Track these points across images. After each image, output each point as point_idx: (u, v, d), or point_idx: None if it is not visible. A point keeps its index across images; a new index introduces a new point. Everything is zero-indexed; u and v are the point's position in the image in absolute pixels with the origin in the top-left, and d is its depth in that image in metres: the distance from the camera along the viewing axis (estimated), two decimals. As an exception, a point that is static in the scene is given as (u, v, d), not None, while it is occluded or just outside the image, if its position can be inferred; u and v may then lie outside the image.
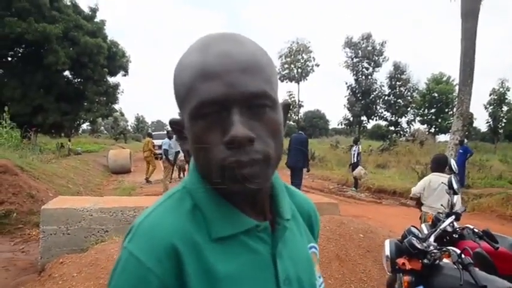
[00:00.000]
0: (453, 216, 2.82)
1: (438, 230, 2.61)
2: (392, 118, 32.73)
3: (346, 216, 5.86)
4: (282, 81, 34.51)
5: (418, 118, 37.70)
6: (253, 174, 0.64)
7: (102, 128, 59.51)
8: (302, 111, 44.09)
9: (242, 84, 0.63)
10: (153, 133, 22.45)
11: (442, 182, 4.18)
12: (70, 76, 21.85)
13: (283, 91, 37.01)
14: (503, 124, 35.11)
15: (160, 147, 13.41)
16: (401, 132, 33.69)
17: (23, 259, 5.23)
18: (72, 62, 19.27)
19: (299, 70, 34.78)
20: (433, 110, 38.50)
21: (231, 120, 0.63)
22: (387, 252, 2.48)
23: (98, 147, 28.79)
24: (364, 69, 32.22)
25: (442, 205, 3.39)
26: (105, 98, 23.15)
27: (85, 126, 40.37)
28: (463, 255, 2.11)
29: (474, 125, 42.23)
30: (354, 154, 14.35)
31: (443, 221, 2.75)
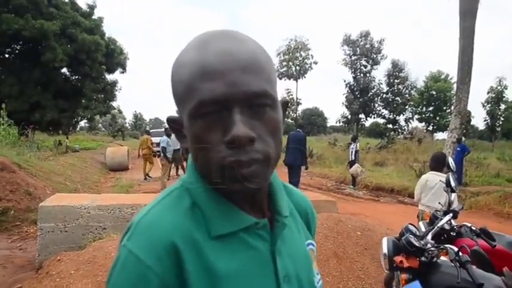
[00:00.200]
0: (451, 214, 2.82)
1: (436, 227, 2.61)
2: (391, 116, 32.72)
3: (344, 214, 5.88)
4: (280, 78, 34.46)
5: (416, 116, 37.72)
6: (253, 174, 0.64)
7: (100, 125, 59.49)
8: (300, 108, 44.15)
9: (244, 83, 0.63)
10: (151, 131, 22.43)
11: (440, 180, 4.19)
12: (68, 73, 21.84)
13: (281, 89, 37.02)
14: (500, 122, 35.10)
15: (158, 144, 13.42)
16: (400, 130, 33.69)
17: (21, 256, 5.23)
18: (70, 59, 19.25)
19: (297, 68, 34.73)
20: (431, 108, 38.51)
21: (232, 119, 0.62)
22: (385, 250, 2.49)
23: (96, 144, 28.77)
24: (362, 67, 32.18)
25: (439, 203, 3.40)
26: (103, 95, 23.13)
27: (83, 123, 40.35)
28: (460, 253, 2.11)
29: (472, 123, 42.22)
30: (351, 152, 14.38)
31: (441, 219, 2.76)
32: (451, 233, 2.93)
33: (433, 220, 2.97)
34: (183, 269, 0.64)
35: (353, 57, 32.10)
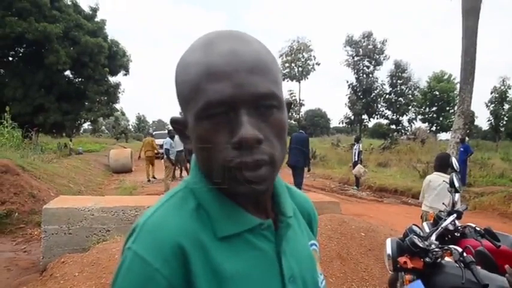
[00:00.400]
0: (455, 215, 2.81)
1: (440, 228, 2.60)
2: (394, 116, 32.68)
3: (348, 215, 5.87)
4: (283, 80, 34.36)
5: (419, 116, 37.65)
6: (260, 177, 0.64)
7: (103, 127, 59.62)
8: (303, 110, 44.15)
9: (251, 84, 0.63)
10: (154, 132, 22.45)
11: (444, 181, 4.18)
12: (71, 76, 21.87)
13: (284, 90, 36.95)
14: (504, 122, 35.01)
15: (161, 146, 13.45)
16: (403, 131, 33.65)
17: (25, 259, 5.24)
18: (73, 62, 19.29)
19: (300, 69, 34.79)
20: (434, 108, 38.42)
21: (240, 121, 0.62)
22: (388, 250, 2.48)
23: (99, 146, 28.87)
24: (365, 68, 32.18)
25: (443, 203, 3.39)
26: (106, 98, 23.15)
27: (86, 125, 40.41)
28: (464, 254, 2.10)
29: (475, 123, 42.20)
30: (355, 153, 14.35)
31: (445, 220, 2.75)
32: (455, 234, 2.92)
33: (437, 221, 2.96)
34: (190, 271, 0.63)
35: (356, 58, 32.11)
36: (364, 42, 31.98)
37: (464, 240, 2.84)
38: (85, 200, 5.76)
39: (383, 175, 16.04)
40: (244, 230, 0.69)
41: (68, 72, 21.27)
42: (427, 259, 2.25)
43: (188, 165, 11.95)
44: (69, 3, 20.54)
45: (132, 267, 0.64)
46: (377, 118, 33.81)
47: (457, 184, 3.07)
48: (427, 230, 2.81)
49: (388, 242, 2.53)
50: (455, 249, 2.17)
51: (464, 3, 12.43)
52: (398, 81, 32.50)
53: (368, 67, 32.18)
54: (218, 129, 0.64)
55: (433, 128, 38.39)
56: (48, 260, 4.43)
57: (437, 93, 37.87)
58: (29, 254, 5.46)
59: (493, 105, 34.30)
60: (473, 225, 2.80)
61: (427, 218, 4.45)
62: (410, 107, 33.68)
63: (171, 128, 0.76)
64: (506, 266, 2.09)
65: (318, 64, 35.20)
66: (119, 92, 24.23)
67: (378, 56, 31.88)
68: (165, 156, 11.91)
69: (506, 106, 34.53)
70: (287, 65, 34.85)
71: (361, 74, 32.17)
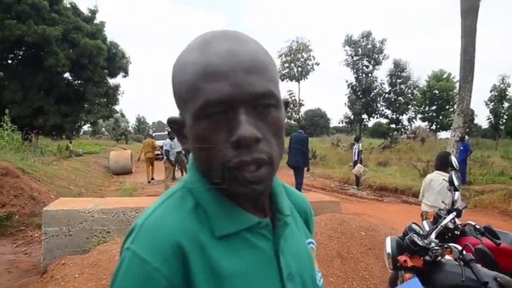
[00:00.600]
0: (454, 213, 2.81)
1: (439, 226, 2.60)
2: (393, 116, 32.66)
3: (348, 214, 5.87)
4: (283, 80, 34.42)
5: (419, 115, 37.63)
6: (259, 177, 0.64)
7: (103, 129, 59.66)
8: (303, 110, 44.01)
9: (249, 84, 0.63)
10: (154, 134, 22.44)
11: (444, 180, 4.18)
12: (70, 78, 21.89)
13: (283, 90, 36.92)
14: (504, 120, 35.06)
15: (161, 147, 13.46)
16: (403, 130, 33.64)
17: (25, 261, 5.24)
18: (72, 64, 19.31)
19: (299, 69, 34.69)
20: (433, 107, 38.41)
21: (238, 120, 0.63)
22: (388, 249, 2.48)
23: (99, 148, 28.91)
24: (364, 67, 32.15)
25: (443, 202, 3.38)
26: (105, 100, 23.16)
27: (86, 127, 40.33)
28: (464, 252, 2.10)
29: (475, 121, 42.22)
30: (354, 152, 14.35)
31: (445, 218, 2.75)
32: (455, 232, 2.91)
33: (436, 219, 2.96)
34: (189, 270, 0.63)
35: (355, 58, 32.08)
36: (363, 41, 31.96)
37: (464, 239, 2.84)
38: (85, 201, 5.76)
39: (383, 174, 16.04)
40: (243, 229, 0.69)
41: (67, 75, 21.30)
42: (427, 257, 2.25)
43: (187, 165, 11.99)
44: (68, 5, 20.56)
45: (131, 267, 0.64)
46: (377, 117, 33.83)
47: (456, 182, 3.06)
48: (427, 229, 2.81)
49: (388, 240, 2.53)
50: (455, 247, 2.17)
51: (463, 2, 12.43)
52: (398, 80, 32.49)
53: (367, 66, 32.15)
54: (216, 129, 0.64)
55: (433, 127, 38.39)
56: (49, 262, 4.43)
57: (436, 92, 37.87)
58: (30, 256, 5.46)
59: (492, 103, 34.36)
60: (473, 223, 2.80)
61: (427, 218, 4.45)
62: (410, 106, 33.66)
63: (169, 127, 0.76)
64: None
65: (317, 64, 35.08)
66: (119, 94, 24.27)
67: (377, 56, 31.85)
68: (165, 157, 11.92)
69: (506, 104, 34.58)
70: (286, 65, 34.75)
71: (360, 74, 32.15)
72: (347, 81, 32.53)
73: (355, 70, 32.16)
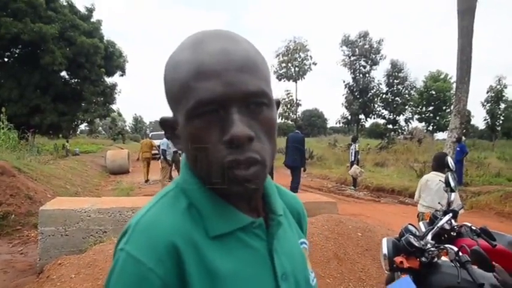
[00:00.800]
0: (450, 214, 2.82)
1: (436, 227, 2.61)
2: (390, 116, 32.66)
3: (345, 215, 5.88)
4: (280, 80, 34.43)
5: (416, 116, 37.67)
6: (252, 176, 0.65)
7: (100, 128, 59.53)
8: (300, 110, 44.04)
9: (241, 82, 0.63)
10: (151, 133, 22.43)
11: (440, 180, 4.18)
12: (67, 76, 21.84)
13: (280, 90, 36.91)
14: (500, 121, 35.14)
15: (158, 147, 13.45)
16: (400, 131, 33.65)
17: (22, 261, 5.22)
18: (69, 62, 19.25)
19: (296, 69, 34.69)
20: (430, 108, 38.50)
21: (231, 119, 0.63)
22: (384, 250, 2.48)
23: (96, 147, 28.84)
24: (361, 68, 32.11)
25: (439, 203, 3.39)
26: (102, 98, 23.11)
27: (83, 126, 40.35)
28: (460, 253, 2.11)
29: (472, 122, 42.31)
30: (351, 153, 14.37)
31: (441, 219, 2.75)
32: (451, 233, 2.92)
33: (433, 220, 2.97)
34: (184, 270, 0.63)
35: (352, 58, 32.05)
36: (360, 42, 31.95)
37: (460, 240, 2.84)
38: (82, 201, 5.74)
39: (380, 175, 16.07)
40: (237, 229, 0.69)
41: (64, 73, 21.24)
42: (423, 259, 2.25)
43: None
44: (65, 3, 20.51)
45: (125, 268, 0.63)
46: (374, 118, 33.79)
47: (452, 183, 3.07)
48: (423, 230, 2.81)
49: (384, 241, 2.53)
50: (451, 248, 2.17)
51: (460, 3, 12.45)
52: (395, 80, 32.49)
53: (364, 67, 32.13)
54: (209, 128, 0.64)
55: (430, 128, 38.48)
56: (45, 262, 4.41)
57: (433, 92, 37.95)
58: (26, 256, 5.44)
59: (489, 104, 34.43)
60: (469, 225, 2.80)
61: (423, 218, 4.46)
62: (407, 107, 33.66)
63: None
64: (496, 265, 2.10)
65: (315, 64, 35.11)
66: (116, 93, 24.23)
67: (374, 56, 31.84)
68: (161, 157, 11.90)
69: (503, 105, 34.67)
70: (284, 65, 34.74)
71: (357, 74, 32.13)
72: (344, 82, 32.52)
73: (352, 70, 32.14)
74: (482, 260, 2.54)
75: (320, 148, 27.56)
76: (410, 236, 2.34)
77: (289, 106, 36.38)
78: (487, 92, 34.54)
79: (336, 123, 35.56)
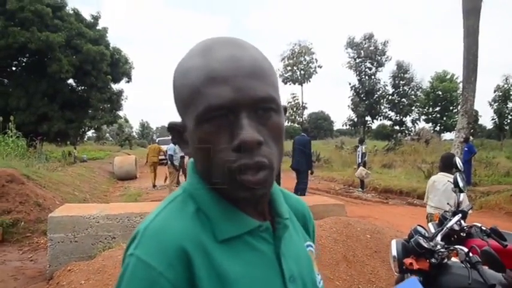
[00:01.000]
0: (460, 215, 2.80)
1: (445, 228, 2.59)
2: (397, 117, 32.51)
3: (353, 217, 5.85)
4: (285, 83, 34.48)
5: (422, 117, 37.48)
6: (260, 181, 0.65)
7: (107, 135, 59.85)
8: (306, 113, 44.01)
9: (250, 88, 0.64)
10: (158, 139, 22.55)
11: (448, 181, 4.16)
12: (74, 84, 22.02)
13: (286, 93, 36.92)
14: (508, 121, 34.88)
15: (165, 152, 13.49)
16: (407, 132, 33.47)
17: (32, 268, 5.25)
18: (76, 70, 19.42)
19: (302, 72, 34.71)
20: (437, 109, 38.32)
21: (240, 124, 0.64)
22: (394, 252, 2.47)
23: (104, 154, 29.00)
24: (367, 69, 32.04)
25: (448, 204, 3.37)
26: (109, 105, 23.27)
27: (90, 133, 40.60)
28: (470, 254, 2.09)
29: (479, 122, 42.00)
30: (358, 154, 14.33)
31: (450, 220, 2.73)
32: (461, 234, 2.90)
33: (442, 221, 2.95)
34: (194, 274, 0.63)
35: (357, 60, 31.99)
36: (365, 43, 31.88)
37: (470, 240, 2.82)
38: (90, 207, 5.77)
39: (388, 176, 15.99)
40: (244, 232, 0.70)
41: (71, 81, 21.43)
42: (433, 260, 2.23)
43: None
44: (71, 12, 20.72)
45: (135, 273, 0.63)
46: (380, 119, 33.66)
47: (461, 184, 3.05)
48: (433, 231, 2.79)
49: (393, 243, 2.52)
50: (461, 249, 2.16)
51: (465, 3, 12.41)
52: (401, 82, 32.35)
53: (370, 69, 32.05)
54: (219, 132, 0.65)
55: (437, 128, 38.28)
56: (55, 269, 4.44)
57: (440, 93, 37.78)
58: (36, 262, 5.47)
59: (496, 103, 34.21)
60: (479, 225, 2.78)
61: (432, 220, 4.43)
62: (413, 108, 33.49)
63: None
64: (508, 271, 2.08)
65: (320, 67, 35.13)
66: (122, 99, 24.39)
67: (379, 58, 31.75)
68: (169, 162, 11.94)
69: (510, 104, 34.41)
70: (289, 68, 34.81)
71: (363, 76, 32.06)
72: (350, 84, 32.46)
73: (357, 72, 32.07)
74: (493, 260, 2.51)
75: (327, 150, 27.49)
76: (420, 237, 2.32)
77: (295, 109, 36.39)
78: (495, 91, 34.36)
79: (343, 125, 35.49)
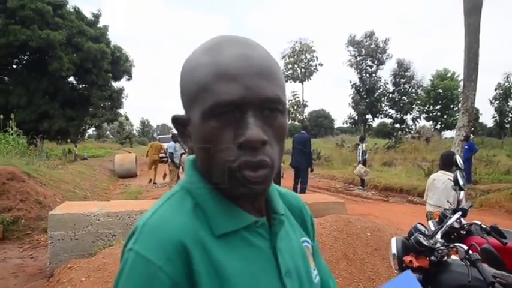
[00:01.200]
0: (460, 212, 2.80)
1: (445, 226, 2.59)
2: (398, 115, 32.51)
3: (353, 215, 5.86)
4: (286, 81, 34.29)
5: (423, 115, 37.46)
6: (260, 177, 0.66)
7: (108, 132, 59.79)
8: (307, 111, 44.02)
9: (260, 88, 0.65)
10: (158, 137, 22.56)
11: (448, 179, 4.16)
12: (74, 82, 22.04)
13: (287, 91, 36.89)
14: (509, 119, 34.82)
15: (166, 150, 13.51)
16: (407, 130, 33.47)
17: (32, 265, 5.26)
18: (76, 68, 19.43)
19: (303, 70, 34.71)
20: (438, 107, 38.26)
21: (246, 122, 0.64)
22: (394, 250, 2.46)
23: (104, 152, 28.99)
24: (367, 68, 32.03)
25: (448, 201, 3.37)
26: (109, 103, 23.29)
27: (91, 131, 40.57)
28: (470, 252, 2.09)
29: (480, 120, 41.99)
30: (359, 152, 14.33)
31: (450, 218, 2.73)
32: (461, 232, 2.90)
33: (442, 219, 2.95)
34: (193, 269, 0.64)
35: (358, 58, 31.98)
36: (366, 41, 31.86)
37: (470, 238, 2.82)
38: (90, 205, 5.77)
39: (388, 174, 16.00)
40: (241, 228, 0.71)
41: (71, 79, 21.46)
42: (433, 258, 2.23)
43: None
44: (72, 10, 20.70)
45: (135, 268, 0.64)
46: (381, 117, 33.68)
47: (461, 182, 3.04)
48: (433, 229, 2.79)
49: (393, 241, 2.52)
50: (460, 247, 2.16)
51: (466, 2, 12.38)
52: (402, 80, 32.34)
53: (371, 67, 32.04)
54: (224, 128, 0.66)
55: (438, 126, 38.24)
56: (55, 266, 4.45)
57: (441, 91, 37.72)
58: (36, 260, 5.48)
59: (497, 101, 34.14)
60: (479, 223, 2.78)
61: (431, 217, 4.43)
62: (414, 106, 33.48)
63: (175, 132, 0.79)
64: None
65: (321, 65, 35.13)
66: (123, 97, 24.40)
67: (380, 56, 31.73)
68: (169, 160, 11.96)
69: (511, 102, 34.33)
70: (290, 66, 34.80)
71: (364, 74, 32.04)
72: (351, 82, 32.47)
73: (358, 70, 32.06)
74: (493, 258, 2.51)
75: (327, 148, 27.50)
76: (420, 235, 2.32)
77: (295, 107, 36.39)
78: (495, 90, 34.28)
79: (343, 123, 35.55)
